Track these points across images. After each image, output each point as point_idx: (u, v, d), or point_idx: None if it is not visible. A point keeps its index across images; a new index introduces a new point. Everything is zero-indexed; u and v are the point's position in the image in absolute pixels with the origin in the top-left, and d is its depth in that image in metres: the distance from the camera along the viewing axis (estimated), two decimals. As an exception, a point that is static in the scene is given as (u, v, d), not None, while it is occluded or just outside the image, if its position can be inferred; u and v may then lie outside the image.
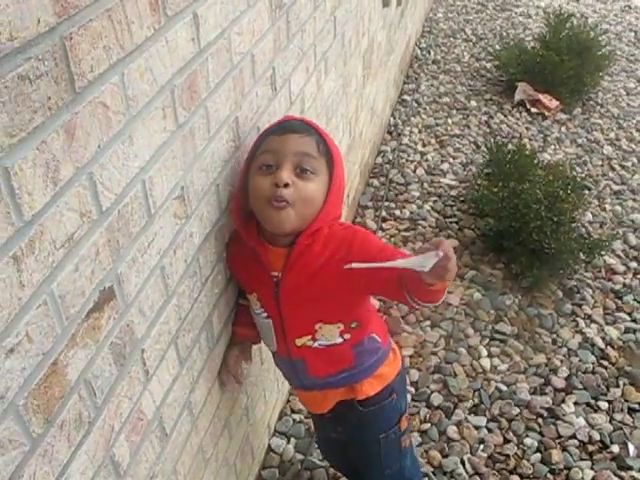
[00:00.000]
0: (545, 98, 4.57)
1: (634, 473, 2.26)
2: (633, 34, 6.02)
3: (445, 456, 2.32)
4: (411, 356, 2.68)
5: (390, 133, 4.27)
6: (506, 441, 2.37)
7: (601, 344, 2.76)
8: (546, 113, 4.52)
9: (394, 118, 4.42)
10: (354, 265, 1.30)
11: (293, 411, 2.46)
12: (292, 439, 2.36)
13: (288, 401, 2.49)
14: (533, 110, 4.56)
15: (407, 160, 3.98)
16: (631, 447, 2.34)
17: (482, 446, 2.35)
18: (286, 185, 1.39)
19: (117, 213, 1.06)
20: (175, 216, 1.28)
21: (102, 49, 0.95)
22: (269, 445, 2.33)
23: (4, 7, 0.74)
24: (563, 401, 2.51)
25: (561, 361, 2.68)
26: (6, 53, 0.76)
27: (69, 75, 0.88)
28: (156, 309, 1.26)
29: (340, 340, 1.58)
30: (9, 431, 0.86)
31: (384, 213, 3.49)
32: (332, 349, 1.60)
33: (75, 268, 0.97)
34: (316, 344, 1.59)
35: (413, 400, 2.51)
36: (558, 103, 4.57)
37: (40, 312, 0.90)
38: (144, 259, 1.17)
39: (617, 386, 2.58)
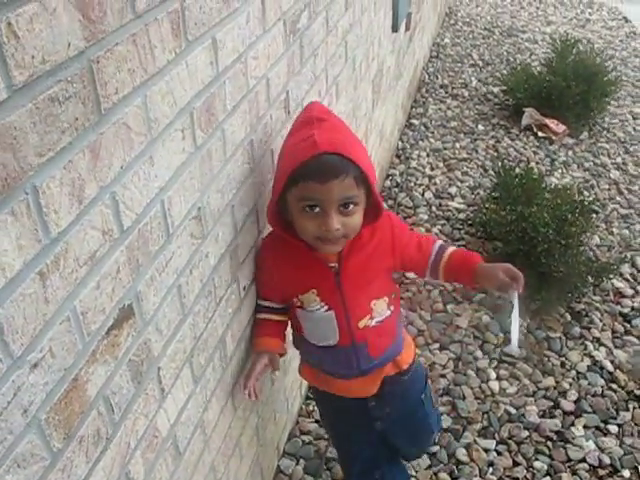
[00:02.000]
0: (552, 123, 4.60)
1: (645, 497, 2.25)
2: (638, 60, 6.07)
3: (454, 479, 2.31)
4: (420, 378, 2.68)
5: (398, 157, 4.30)
6: (515, 464, 2.37)
7: (610, 367, 2.75)
8: (553, 137, 4.55)
9: (402, 142, 4.46)
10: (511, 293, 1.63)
11: (302, 432, 2.46)
12: (301, 460, 2.36)
13: (297, 422, 2.49)
14: (540, 134, 4.59)
15: (415, 184, 4.01)
16: (642, 471, 2.34)
17: (491, 469, 2.35)
18: (336, 230, 1.48)
19: (137, 232, 1.08)
20: (192, 236, 1.30)
21: (127, 72, 0.98)
22: (278, 466, 2.33)
23: (38, 32, 0.77)
24: (572, 424, 2.51)
25: (570, 384, 2.68)
26: (38, 75, 0.79)
27: (95, 97, 0.91)
28: (172, 327, 1.27)
29: (388, 313, 1.71)
30: (31, 445, 0.88)
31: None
32: (384, 324, 1.71)
33: (97, 285, 0.99)
34: (373, 322, 1.69)
35: (422, 422, 2.51)
36: (565, 128, 4.61)
37: (63, 328, 0.91)
38: (162, 278, 1.19)
39: (627, 409, 2.57)
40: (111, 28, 0.92)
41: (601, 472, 2.34)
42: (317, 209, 1.45)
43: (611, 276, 3.14)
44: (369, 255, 1.63)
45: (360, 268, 1.63)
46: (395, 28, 3.53)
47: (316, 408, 2.42)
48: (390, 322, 1.73)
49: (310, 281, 1.64)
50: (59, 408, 0.93)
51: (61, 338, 0.91)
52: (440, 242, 1.76)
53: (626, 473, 2.33)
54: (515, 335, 1.66)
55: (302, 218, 1.49)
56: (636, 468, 2.34)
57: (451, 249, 1.73)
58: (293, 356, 2.04)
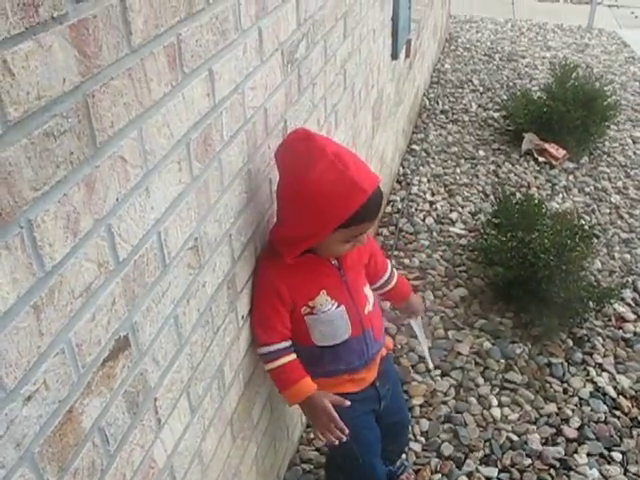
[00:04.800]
0: (552, 147, 4.62)
1: (649, 526, 2.23)
2: (638, 84, 6.10)
3: (457, 508, 2.29)
4: (421, 405, 2.67)
5: (399, 182, 4.32)
6: (518, 492, 2.35)
7: (613, 393, 2.74)
8: (553, 162, 4.56)
9: (403, 168, 4.48)
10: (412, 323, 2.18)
11: (303, 461, 2.44)
12: (302, 489, 2.34)
13: (298, 450, 2.48)
14: (540, 159, 4.60)
15: (416, 209, 4.01)
16: (646, 499, 2.31)
17: (494, 498, 2.33)
18: None
19: (133, 263, 1.09)
20: (189, 266, 1.30)
21: (122, 106, 0.99)
22: (279, 495, 2.31)
23: (34, 68, 0.78)
24: (576, 452, 2.48)
25: (572, 410, 2.66)
26: (33, 111, 0.80)
27: (91, 131, 0.92)
28: (169, 358, 1.27)
29: (373, 297, 1.92)
30: (24, 479, 0.87)
31: (393, 262, 3.51)
32: (376, 307, 1.91)
33: (92, 317, 0.99)
34: (371, 307, 1.87)
35: (423, 450, 2.49)
36: (565, 152, 4.62)
37: (57, 360, 0.92)
38: (158, 309, 1.20)
39: (631, 437, 2.55)
40: (107, 63, 0.93)
41: (605, 501, 2.32)
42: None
43: (613, 301, 3.13)
44: (357, 248, 1.76)
45: (354, 259, 1.82)
46: (395, 55, 3.56)
47: (316, 434, 2.40)
48: (378, 305, 1.95)
49: (319, 282, 1.74)
50: (53, 441, 0.93)
51: (55, 370, 0.92)
52: (389, 263, 2.07)
53: (630, 502, 2.31)
54: (427, 354, 2.38)
55: (341, 245, 1.66)
56: (640, 496, 2.32)
57: (396, 274, 2.09)
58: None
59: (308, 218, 1.56)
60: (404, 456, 2.39)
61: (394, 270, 2.09)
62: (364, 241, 1.70)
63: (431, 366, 2.67)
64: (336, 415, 1.76)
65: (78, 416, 0.98)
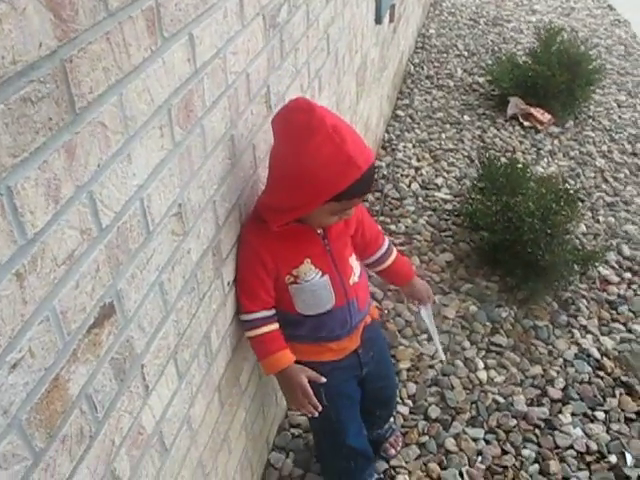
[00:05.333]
0: (537, 112, 4.61)
1: (632, 482, 2.28)
2: (623, 47, 6.09)
3: (444, 468, 2.33)
4: (408, 369, 2.70)
5: (384, 148, 4.31)
6: (504, 452, 2.38)
7: (597, 354, 2.78)
8: (539, 127, 4.56)
9: (388, 133, 4.46)
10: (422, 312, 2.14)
11: (292, 426, 2.47)
12: (291, 454, 2.37)
13: (286, 416, 2.50)
14: (526, 124, 4.60)
15: (402, 175, 4.01)
16: (628, 457, 2.36)
17: (480, 458, 2.36)
18: None
19: (116, 230, 1.08)
20: (173, 233, 1.30)
21: (101, 71, 0.98)
22: (268, 460, 2.34)
23: (7, 32, 0.77)
24: (560, 412, 2.53)
25: (557, 372, 2.70)
26: (9, 76, 0.79)
27: (69, 96, 0.91)
28: (155, 325, 1.28)
29: (360, 267, 1.91)
30: (12, 445, 0.88)
31: (379, 228, 3.51)
32: (362, 277, 1.91)
33: (76, 285, 0.99)
34: (357, 277, 1.86)
35: (411, 413, 2.53)
36: (550, 117, 4.62)
37: (42, 328, 0.92)
38: (143, 275, 1.20)
39: (613, 396, 2.59)
40: (84, 27, 0.92)
41: (588, 458, 2.36)
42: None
43: (597, 264, 3.16)
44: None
45: (340, 230, 1.80)
46: (378, 20, 3.53)
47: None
48: (364, 275, 1.94)
49: (303, 250, 1.74)
50: (40, 408, 0.93)
51: (40, 338, 0.92)
52: (388, 241, 2.04)
53: (613, 458, 2.35)
54: (438, 346, 2.26)
55: (330, 216, 1.65)
56: (623, 453, 2.37)
57: (395, 254, 2.06)
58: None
59: (300, 189, 1.54)
60: (392, 419, 2.42)
61: (393, 248, 2.06)
62: (352, 214, 1.70)
63: (443, 358, 2.60)
64: (311, 392, 1.77)
65: (65, 383, 0.98)
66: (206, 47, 1.35)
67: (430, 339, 2.73)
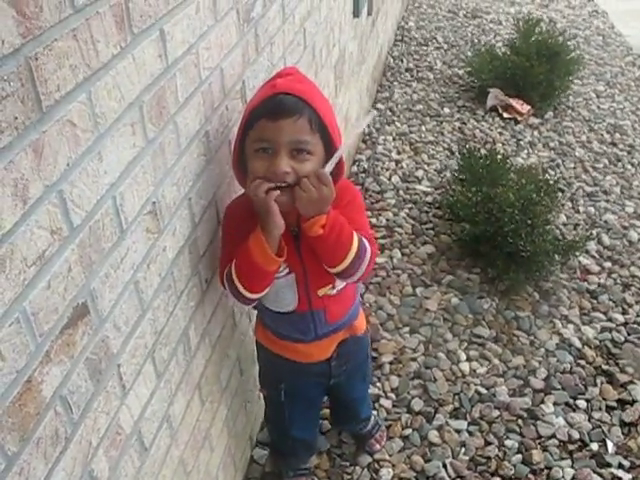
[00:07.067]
0: (517, 103, 4.63)
1: (613, 470, 2.29)
2: (601, 38, 6.12)
3: (427, 461, 2.33)
4: (391, 362, 2.70)
5: (365, 142, 4.30)
6: (487, 443, 2.39)
7: (578, 344, 2.79)
8: (518, 118, 4.58)
9: (368, 127, 4.45)
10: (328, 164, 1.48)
11: (275, 421, 2.46)
12: (275, 449, 2.36)
13: (270, 412, 2.49)
14: (505, 115, 4.61)
15: (382, 168, 4.01)
16: (610, 444, 2.37)
17: (464, 449, 2.37)
18: (285, 173, 1.43)
19: (88, 229, 1.07)
20: (148, 231, 1.29)
21: (68, 68, 0.96)
22: (252, 456, 2.33)
23: (-33, 30, 0.76)
24: (542, 402, 2.54)
25: (539, 362, 2.71)
26: (-30, 75, 0.77)
27: (35, 95, 0.90)
28: (131, 324, 1.26)
29: (345, 284, 1.71)
30: (-16, 450, 0.87)
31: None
32: (344, 291, 1.73)
33: (47, 285, 0.97)
34: (335, 291, 1.70)
35: (394, 406, 2.53)
36: (529, 107, 4.64)
37: (13, 330, 0.90)
38: (117, 274, 1.18)
39: (595, 385, 2.61)
40: (49, 24, 0.90)
41: (571, 447, 2.38)
42: (270, 151, 1.44)
43: (577, 254, 3.18)
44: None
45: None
46: (356, 13, 3.52)
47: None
48: (349, 289, 1.76)
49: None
50: (12, 411, 0.92)
51: (11, 340, 0.90)
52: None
53: (594, 446, 2.37)
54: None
55: (254, 160, 1.46)
56: (604, 441, 2.39)
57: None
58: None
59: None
60: (376, 413, 2.43)
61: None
62: (277, 166, 1.42)
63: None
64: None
65: (38, 385, 0.97)
66: (178, 43, 1.33)
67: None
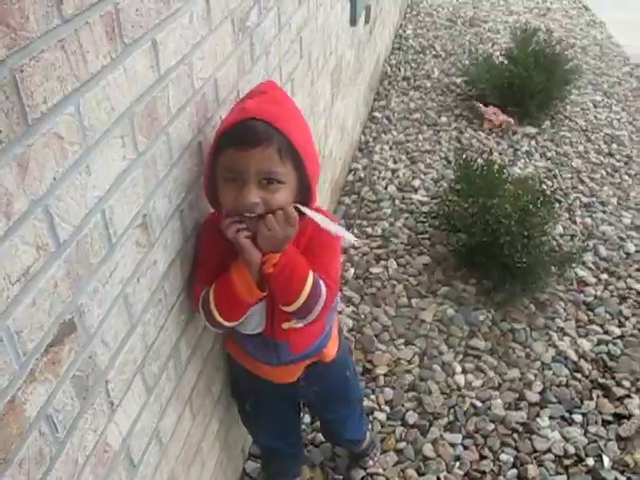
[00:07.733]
0: (490, 114, 4.57)
1: (609, 486, 2.27)
2: (598, 48, 6.12)
3: (421, 474, 2.31)
4: (385, 374, 2.67)
5: (361, 150, 4.28)
6: (482, 457, 2.37)
7: (574, 357, 2.77)
8: (494, 129, 4.53)
9: (365, 135, 4.44)
10: (303, 208, 1.43)
11: (268, 434, 2.43)
12: (267, 462, 2.33)
13: (263, 424, 2.47)
14: (485, 126, 4.57)
15: (378, 177, 3.99)
16: (606, 459, 2.35)
17: (458, 463, 2.34)
18: (254, 204, 1.38)
19: (75, 245, 1.04)
20: (138, 244, 1.26)
21: (56, 80, 0.94)
22: (244, 469, 2.30)
23: (-52, 43, 0.73)
24: (538, 415, 2.52)
25: (535, 375, 2.68)
26: (-48, 89, 0.75)
27: (21, 107, 0.87)
28: (120, 339, 1.24)
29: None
30: (-36, 472, 0.84)
31: (356, 231, 3.49)
32: (312, 327, 1.64)
33: (32, 302, 0.95)
34: (301, 324, 1.60)
35: (388, 419, 2.50)
36: (505, 117, 4.57)
37: (-5, 349, 0.88)
38: (106, 289, 1.16)
39: (591, 398, 2.59)
40: (35, 35, 0.88)
41: (566, 462, 2.35)
42: (239, 181, 1.38)
43: (574, 265, 3.16)
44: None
45: None
46: (353, 22, 3.50)
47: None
48: (318, 326, 1.69)
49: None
50: (-6, 432, 0.89)
51: (-7, 359, 0.88)
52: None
53: (590, 461, 2.34)
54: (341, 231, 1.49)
55: (224, 189, 1.41)
56: (600, 456, 2.36)
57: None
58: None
59: None
60: (371, 426, 2.40)
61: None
62: (245, 197, 1.37)
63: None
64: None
65: (21, 405, 0.95)
66: (170, 53, 1.31)
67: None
